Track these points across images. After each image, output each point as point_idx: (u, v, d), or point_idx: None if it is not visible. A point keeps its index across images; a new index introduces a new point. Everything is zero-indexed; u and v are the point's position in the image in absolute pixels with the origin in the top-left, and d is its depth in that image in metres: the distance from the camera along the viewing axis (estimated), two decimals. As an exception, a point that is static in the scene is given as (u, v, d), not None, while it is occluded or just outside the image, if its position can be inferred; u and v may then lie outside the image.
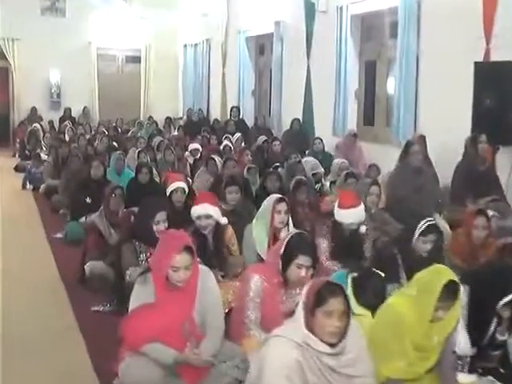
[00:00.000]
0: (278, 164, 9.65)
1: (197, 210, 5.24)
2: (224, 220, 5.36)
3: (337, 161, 9.08)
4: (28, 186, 11.31)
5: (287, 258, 3.96)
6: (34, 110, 18.08)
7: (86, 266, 5.70)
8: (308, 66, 12.26)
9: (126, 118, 18.52)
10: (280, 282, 4.03)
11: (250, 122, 14.86)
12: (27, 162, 13.26)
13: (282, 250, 3.99)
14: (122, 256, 4.89)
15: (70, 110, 18.27)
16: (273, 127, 13.62)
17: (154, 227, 4.86)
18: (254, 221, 5.60)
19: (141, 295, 3.68)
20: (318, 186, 8.95)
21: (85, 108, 18.68)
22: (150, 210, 4.91)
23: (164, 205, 5.07)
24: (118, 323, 3.72)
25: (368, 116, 11.37)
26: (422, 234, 4.76)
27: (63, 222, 8.32)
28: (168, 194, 6.19)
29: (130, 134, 14.23)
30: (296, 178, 7.10)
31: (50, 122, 16.73)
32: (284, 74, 13.35)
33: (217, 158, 8.69)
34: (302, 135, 12.19)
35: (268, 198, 5.58)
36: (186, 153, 11.18)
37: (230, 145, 11.23)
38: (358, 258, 5.47)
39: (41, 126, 15.69)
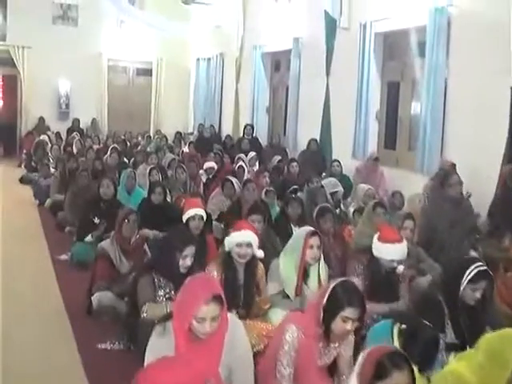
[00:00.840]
0: (296, 187, 9.20)
1: (238, 237, 4.77)
2: (260, 253, 4.91)
3: (362, 186, 8.56)
4: (34, 199, 10.84)
5: (331, 310, 3.49)
6: (41, 119, 17.69)
7: (93, 297, 5.20)
8: (327, 85, 11.80)
9: (134, 131, 18.19)
10: (319, 335, 3.54)
11: (263, 140, 14.44)
12: (34, 173, 12.84)
13: (324, 300, 3.50)
14: (139, 289, 4.42)
15: (78, 120, 17.90)
16: (288, 147, 13.13)
17: (181, 262, 4.39)
18: (281, 254, 5.12)
19: (159, 348, 3.21)
20: (337, 210, 8.46)
21: (93, 120, 18.29)
22: (179, 243, 4.44)
23: (194, 238, 4.58)
24: (126, 362, 3.22)
25: (389, 139, 10.89)
26: (472, 281, 4.21)
27: (68, 241, 7.85)
28: (185, 220, 5.68)
29: (139, 148, 13.73)
30: (320, 205, 6.60)
31: (58, 134, 16.22)
32: (301, 91, 12.90)
33: (234, 180, 8.21)
34: (318, 156, 11.74)
35: (299, 230, 5.12)
36: (200, 171, 10.70)
37: (244, 166, 10.76)
38: (393, 301, 4.99)
39: (48, 137, 15.23)
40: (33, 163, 13.36)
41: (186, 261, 4.41)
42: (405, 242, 5.07)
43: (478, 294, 4.16)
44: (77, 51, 17.67)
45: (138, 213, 5.75)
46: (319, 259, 5.02)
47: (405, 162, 10.19)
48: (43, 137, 14.88)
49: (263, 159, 12.51)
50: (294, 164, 10.43)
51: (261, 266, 4.98)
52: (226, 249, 4.80)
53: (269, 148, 13.20)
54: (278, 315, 4.78)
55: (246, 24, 15.49)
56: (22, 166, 14.85)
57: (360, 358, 2.75)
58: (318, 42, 12.03)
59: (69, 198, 8.72)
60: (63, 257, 7.25)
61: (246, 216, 5.97)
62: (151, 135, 17.49)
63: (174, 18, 17.88)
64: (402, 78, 10.44)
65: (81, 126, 17.94)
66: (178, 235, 4.57)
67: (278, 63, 14.84)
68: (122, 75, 19.47)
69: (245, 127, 14.27)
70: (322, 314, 3.51)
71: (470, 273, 4.16)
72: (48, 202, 10.08)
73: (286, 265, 5.00)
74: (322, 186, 8.27)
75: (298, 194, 8.76)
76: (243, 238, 4.75)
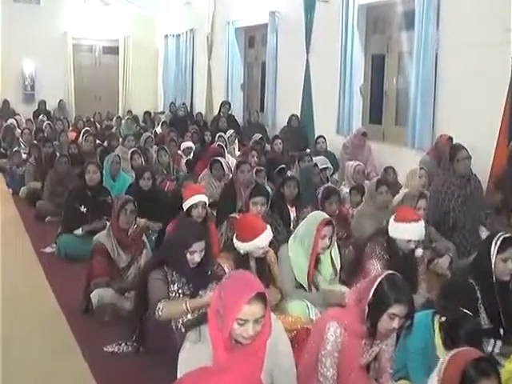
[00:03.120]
0: (283, 166, 8.87)
1: (259, 243, 4.46)
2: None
3: (351, 163, 8.26)
4: (7, 189, 10.30)
5: (378, 307, 3.17)
6: (6, 103, 17.02)
7: (92, 295, 4.81)
8: (307, 60, 11.43)
9: (103, 112, 17.58)
10: (363, 333, 3.23)
11: (238, 118, 14.05)
12: (3, 160, 12.26)
13: (370, 296, 3.19)
14: (151, 286, 4.04)
15: (44, 103, 17.29)
16: (267, 124, 12.76)
17: (189, 257, 4.04)
18: (290, 241, 4.79)
19: (195, 357, 2.86)
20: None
21: (60, 101, 17.68)
22: (186, 238, 4.08)
23: (202, 232, 4.20)
24: (137, 365, 2.86)
25: (375, 114, 10.58)
26: (501, 250, 3.96)
27: (51, 232, 7.38)
28: (186, 208, 5.29)
29: (113, 130, 13.22)
30: (326, 186, 6.29)
31: (29, 120, 15.46)
32: (279, 67, 12.52)
33: (223, 161, 7.83)
34: (300, 133, 11.41)
35: (311, 216, 4.78)
36: (178, 151, 10.30)
37: (223, 145, 10.37)
38: (413, 285, 4.70)
39: (16, 121, 14.56)
40: (1, 149, 12.75)
41: (194, 256, 4.07)
42: (422, 222, 4.79)
43: (510, 265, 3.92)
44: (40, 30, 17.10)
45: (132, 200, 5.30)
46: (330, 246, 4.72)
47: (392, 136, 9.96)
48: (11, 121, 14.18)
49: (242, 137, 12.14)
50: (278, 142, 10.11)
51: (272, 252, 4.66)
52: (241, 251, 4.47)
53: (247, 126, 12.82)
54: (294, 306, 4.49)
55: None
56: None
57: (442, 363, 2.45)
58: (295, 16, 11.65)
59: (48, 186, 8.25)
60: (48, 249, 6.81)
61: (248, 198, 5.61)
62: (121, 116, 16.92)
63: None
64: (388, 51, 10.11)
65: (47, 108, 17.28)
66: (186, 230, 4.21)
67: (252, 39, 14.43)
68: (87, 54, 18.92)
69: (222, 105, 13.83)
70: (366, 311, 3.20)
71: (496, 242, 3.98)
72: (23, 190, 9.56)
73: (297, 252, 4.69)
74: (316, 165, 7.94)
75: (288, 173, 8.45)
76: (264, 243, 4.44)
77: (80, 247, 6.28)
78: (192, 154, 10.48)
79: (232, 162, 9.12)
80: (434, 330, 3.52)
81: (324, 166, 8.69)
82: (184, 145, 10.42)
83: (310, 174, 7.67)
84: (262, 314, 2.77)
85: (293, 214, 6.76)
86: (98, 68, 19.00)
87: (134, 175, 8.37)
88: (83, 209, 6.66)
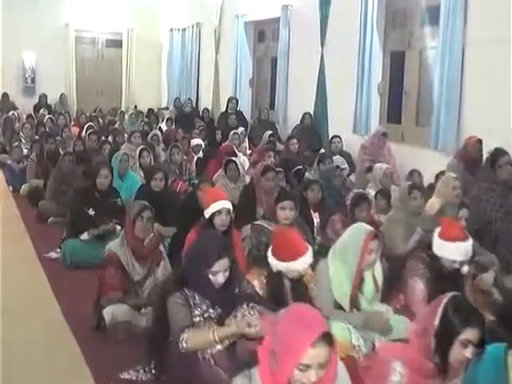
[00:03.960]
0: (300, 167, 8.42)
1: (298, 265, 4.00)
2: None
3: (379, 166, 7.76)
4: (7, 186, 9.79)
5: (447, 334, 2.71)
6: (5, 95, 16.48)
7: (105, 311, 4.32)
8: (322, 56, 10.95)
9: (105, 106, 17.05)
10: (431, 371, 2.76)
11: (246, 114, 13.58)
12: (2, 155, 11.75)
13: (436, 324, 2.71)
14: (172, 311, 3.51)
15: (45, 96, 16.76)
16: (277, 122, 12.27)
17: (211, 278, 3.54)
18: (329, 255, 4.27)
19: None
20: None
21: (62, 95, 17.17)
22: (207, 256, 3.54)
23: (226, 248, 3.68)
24: None
25: (393, 113, 10.11)
26: None
27: (55, 235, 6.91)
28: (208, 215, 4.79)
29: (116, 125, 12.70)
30: (355, 192, 5.81)
31: (30, 116, 14.89)
32: (291, 63, 12.02)
33: (238, 161, 7.36)
34: (313, 132, 10.93)
35: (354, 228, 4.26)
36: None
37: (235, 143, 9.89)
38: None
39: (16, 115, 14.02)
40: (4, 142, 12.21)
41: (217, 277, 3.54)
42: (470, 240, 4.31)
43: None
44: (41, 21, 16.60)
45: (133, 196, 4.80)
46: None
47: (412, 137, 9.49)
48: (14, 113, 13.66)
49: (252, 135, 11.66)
50: (294, 141, 9.62)
51: (309, 271, 4.16)
52: (274, 269, 3.97)
53: (256, 123, 12.32)
54: (335, 330, 3.97)
55: (226, -9, 14.50)
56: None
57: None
58: (310, 10, 11.19)
59: (51, 186, 7.75)
60: (52, 255, 6.30)
61: (275, 203, 5.13)
62: (124, 111, 16.41)
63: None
64: (409, 47, 9.63)
65: (48, 102, 16.76)
66: (206, 245, 3.64)
67: (261, 33, 13.93)
68: (90, 47, 18.42)
69: (229, 100, 13.33)
70: (433, 342, 2.72)
71: None
72: (24, 188, 9.07)
73: (338, 270, 4.15)
74: (338, 167, 7.46)
75: (307, 175, 7.99)
76: (302, 267, 3.95)
77: (87, 254, 5.82)
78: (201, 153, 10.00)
79: (243, 160, 8.65)
80: (506, 365, 3.04)
81: (342, 167, 8.25)
82: (193, 142, 9.92)
83: (331, 176, 7.21)
84: (327, 357, 2.30)
85: (316, 219, 6.35)
86: (100, 61, 18.49)
87: (142, 174, 7.93)
88: (91, 212, 6.15)
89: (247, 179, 7.52)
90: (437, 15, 8.51)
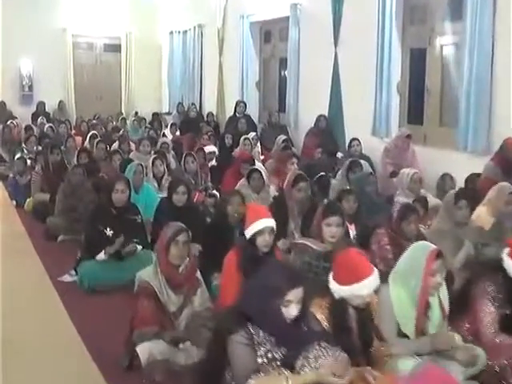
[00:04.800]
0: (323, 174, 7.91)
1: (363, 289, 3.43)
2: None
3: (406, 171, 7.26)
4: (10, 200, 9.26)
5: None
6: (2, 104, 15.88)
7: (139, 349, 3.79)
8: (335, 54, 10.45)
9: (105, 113, 16.49)
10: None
11: (254, 118, 13.05)
12: (2, 167, 11.26)
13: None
14: (233, 353, 2.95)
15: (43, 104, 16.18)
16: (288, 125, 11.76)
17: (283, 310, 3.01)
18: (390, 278, 3.77)
19: None
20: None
21: (60, 102, 16.58)
22: (280, 284, 2.99)
23: (300, 277, 3.14)
24: None
25: (414, 114, 9.62)
26: None
27: (66, 255, 6.41)
28: (250, 235, 4.27)
29: (121, 133, 12.16)
30: (403, 203, 5.31)
31: (30, 128, 14.19)
32: (302, 63, 11.52)
33: (262, 170, 6.85)
34: (329, 135, 10.43)
35: (415, 248, 3.76)
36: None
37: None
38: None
39: (15, 123, 13.46)
40: (3, 153, 11.66)
41: (290, 309, 3.00)
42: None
43: None
44: (37, 27, 16.00)
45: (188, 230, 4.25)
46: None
47: (436, 138, 8.98)
48: (14, 122, 13.07)
49: (263, 139, 11.16)
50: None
51: (375, 298, 3.65)
52: (337, 296, 3.47)
53: (267, 127, 11.80)
54: (405, 365, 3.47)
55: (229, -9, 13.99)
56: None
57: None
58: (321, 7, 10.72)
59: (60, 201, 7.21)
60: (66, 278, 5.78)
61: (321, 218, 4.62)
62: (125, 117, 15.88)
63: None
64: (430, 44, 9.14)
65: (46, 109, 16.20)
66: (277, 273, 3.08)
67: (268, 33, 13.41)
68: (88, 52, 17.83)
69: (237, 104, 12.81)
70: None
71: None
72: (29, 203, 8.55)
73: (400, 296, 3.67)
74: (371, 173, 6.96)
75: (334, 182, 7.49)
76: (366, 291, 3.44)
77: (107, 276, 5.37)
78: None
79: (259, 166, 8.14)
80: None
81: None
82: (206, 149, 9.38)
83: (363, 184, 6.69)
84: None
85: (352, 231, 5.90)
86: (98, 66, 17.92)
87: (156, 185, 7.42)
88: (108, 231, 5.60)
89: (271, 189, 7.02)
90: (459, 9, 8.10)
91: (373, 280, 3.43)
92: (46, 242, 7.12)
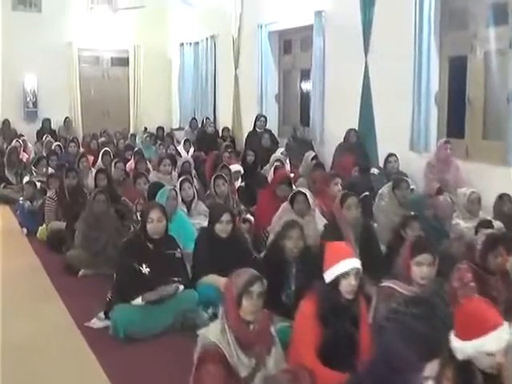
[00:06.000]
0: (367, 193, 7.23)
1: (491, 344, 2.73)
2: None
3: (463, 191, 6.58)
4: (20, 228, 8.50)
5: None
6: (6, 122, 15.19)
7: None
8: (365, 64, 9.75)
9: (112, 129, 15.77)
10: None
11: (274, 133, 12.31)
12: (8, 190, 10.53)
13: None
14: None
15: (49, 121, 15.48)
16: (314, 140, 11.04)
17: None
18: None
19: None
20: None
21: (66, 119, 15.87)
22: (414, 357, 2.32)
23: (436, 343, 2.42)
24: None
25: (455, 126, 8.91)
26: None
27: (91, 294, 5.69)
28: (331, 279, 3.54)
29: (136, 150, 11.42)
30: (488, 232, 4.58)
31: (39, 143, 13.47)
32: (327, 74, 10.81)
33: (308, 193, 6.13)
34: (360, 150, 9.71)
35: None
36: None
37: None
38: None
39: (21, 142, 12.75)
40: (9, 175, 10.93)
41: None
42: None
43: None
44: (42, 41, 15.37)
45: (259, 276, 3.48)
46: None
47: (479, 153, 8.33)
48: (15, 144, 12.32)
49: (291, 156, 10.41)
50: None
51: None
52: (460, 356, 2.73)
53: (292, 142, 11.06)
54: None
55: (245, 0, 13.26)
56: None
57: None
58: (348, 14, 10.07)
59: (81, 232, 6.45)
60: (95, 323, 5.01)
61: (410, 256, 3.92)
62: (135, 133, 15.18)
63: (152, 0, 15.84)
64: (471, 50, 8.45)
65: (52, 126, 15.49)
66: (409, 341, 2.36)
67: (287, 43, 12.71)
68: (94, 66, 17.16)
69: (257, 118, 12.10)
70: None
71: None
72: (42, 231, 7.80)
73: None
74: (429, 195, 6.24)
75: (382, 204, 6.78)
76: (497, 346, 2.73)
77: (145, 322, 4.63)
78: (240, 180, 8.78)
79: (303, 188, 7.40)
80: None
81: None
82: (232, 168, 8.64)
83: (420, 207, 5.97)
84: None
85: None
86: (106, 81, 17.23)
87: (185, 209, 6.69)
88: (145, 269, 4.83)
89: (317, 213, 6.30)
90: (504, 13, 7.65)
91: (503, 332, 2.72)
92: (65, 277, 6.34)
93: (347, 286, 3.56)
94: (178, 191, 6.81)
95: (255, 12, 12.80)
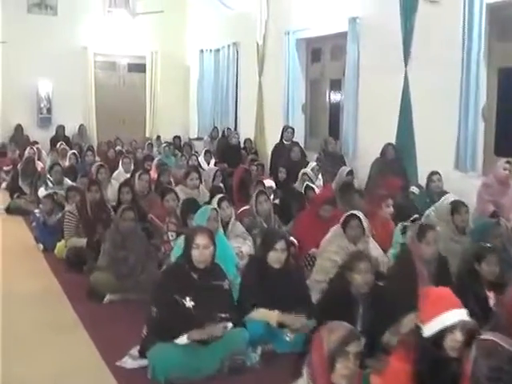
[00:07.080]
0: (417, 216, 6.61)
1: None
2: None
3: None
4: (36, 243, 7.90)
5: None
6: (19, 128, 14.72)
7: None
8: (405, 74, 9.14)
9: (128, 137, 15.22)
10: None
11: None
12: (22, 200, 9.96)
13: None
14: None
15: (63, 128, 14.97)
16: (346, 154, 10.41)
17: None
18: None
19: None
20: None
21: (81, 126, 15.35)
22: None
23: None
24: None
25: (504, 143, 8.30)
26: None
27: (119, 323, 5.09)
28: (433, 332, 2.92)
29: (156, 161, 10.84)
30: None
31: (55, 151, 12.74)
32: (361, 84, 10.21)
33: (361, 216, 5.49)
34: (398, 167, 9.07)
35: None
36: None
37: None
38: None
39: (35, 150, 12.17)
40: (23, 185, 10.34)
41: None
42: None
43: None
44: (57, 45, 14.95)
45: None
46: None
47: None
48: (29, 152, 11.73)
49: (323, 172, 9.79)
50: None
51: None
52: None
53: (323, 156, 10.42)
54: None
55: (271, 6, 12.68)
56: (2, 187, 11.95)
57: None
58: (386, 21, 9.51)
59: (107, 252, 5.82)
60: (128, 362, 4.34)
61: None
62: (152, 142, 14.59)
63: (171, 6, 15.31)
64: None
65: (66, 133, 14.93)
66: None
67: (316, 51, 12.11)
68: (110, 72, 16.64)
69: (284, 129, 11.49)
70: None
71: None
72: (60, 247, 7.17)
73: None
74: (498, 222, 5.59)
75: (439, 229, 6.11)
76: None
77: (189, 364, 3.98)
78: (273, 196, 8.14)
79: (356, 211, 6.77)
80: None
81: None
82: (265, 183, 8.01)
83: (489, 236, 5.32)
84: None
85: (492, 300, 4.55)
86: (122, 88, 16.71)
87: (221, 230, 6.05)
88: (189, 303, 4.16)
89: (371, 240, 5.66)
90: None
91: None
92: (89, 303, 5.70)
93: (453, 342, 2.94)
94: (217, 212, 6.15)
95: (282, 18, 12.23)
